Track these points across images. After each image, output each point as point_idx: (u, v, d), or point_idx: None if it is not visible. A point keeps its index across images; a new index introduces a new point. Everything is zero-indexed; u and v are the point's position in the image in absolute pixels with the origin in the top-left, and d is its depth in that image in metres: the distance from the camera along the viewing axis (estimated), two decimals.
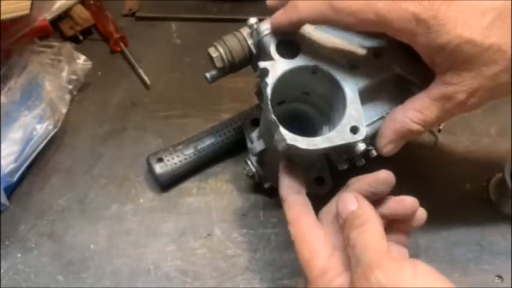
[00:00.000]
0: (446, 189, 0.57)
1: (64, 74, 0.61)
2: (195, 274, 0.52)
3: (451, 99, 0.41)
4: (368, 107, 0.45)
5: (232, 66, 0.49)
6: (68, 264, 0.53)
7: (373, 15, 0.39)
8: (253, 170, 0.53)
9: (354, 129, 0.43)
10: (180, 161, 0.57)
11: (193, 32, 0.70)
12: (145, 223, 0.56)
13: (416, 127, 0.43)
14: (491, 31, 0.39)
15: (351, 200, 0.40)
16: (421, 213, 0.44)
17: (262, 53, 0.47)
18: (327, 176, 0.53)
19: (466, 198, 0.57)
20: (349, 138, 0.43)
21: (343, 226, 0.39)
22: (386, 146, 0.45)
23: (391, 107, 0.45)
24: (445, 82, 0.41)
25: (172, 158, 0.56)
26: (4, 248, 0.54)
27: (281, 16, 0.44)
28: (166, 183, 0.57)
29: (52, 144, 0.59)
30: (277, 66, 0.44)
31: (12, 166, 0.55)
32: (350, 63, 0.45)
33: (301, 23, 0.44)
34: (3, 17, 0.56)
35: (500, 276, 0.52)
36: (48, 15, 0.65)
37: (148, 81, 0.65)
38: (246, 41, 0.48)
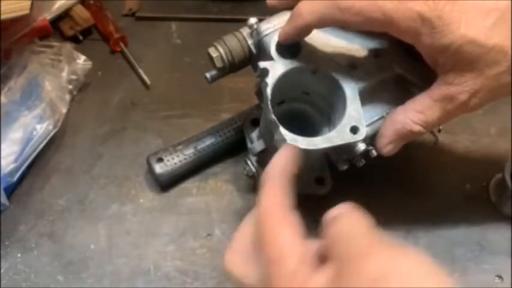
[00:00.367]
0: (446, 189, 0.57)
1: (64, 74, 0.61)
2: (195, 274, 0.52)
3: (452, 99, 0.41)
4: (368, 107, 0.45)
5: (232, 66, 0.49)
6: (68, 264, 0.53)
7: (380, 14, 0.39)
8: (253, 170, 0.53)
9: (354, 129, 0.43)
10: (180, 161, 0.57)
11: (193, 32, 0.70)
12: (145, 223, 0.55)
13: (417, 128, 0.43)
14: (495, 31, 0.39)
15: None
16: None
17: (262, 53, 0.47)
18: (327, 176, 0.53)
19: (466, 198, 0.57)
20: (349, 138, 0.43)
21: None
22: (387, 146, 0.44)
23: (391, 107, 0.45)
24: (447, 83, 0.41)
25: (172, 158, 0.56)
26: (4, 248, 0.54)
27: (287, 27, 0.44)
28: (166, 183, 0.57)
29: (52, 144, 0.59)
30: (277, 66, 0.44)
31: (12, 166, 0.55)
32: (350, 63, 0.45)
33: (308, 28, 0.43)
34: (3, 17, 0.56)
35: (500, 276, 0.52)
36: (48, 15, 0.65)
37: (148, 81, 0.65)
38: (246, 41, 0.48)
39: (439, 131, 0.60)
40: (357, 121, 0.43)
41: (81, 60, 0.63)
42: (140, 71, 0.65)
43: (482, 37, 0.38)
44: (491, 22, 0.39)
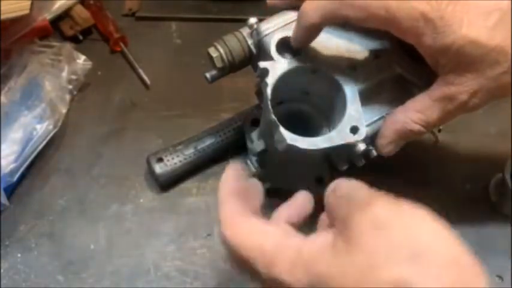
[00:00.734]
0: (446, 189, 0.57)
1: (64, 74, 0.61)
2: (195, 274, 0.52)
3: (453, 100, 0.41)
4: (368, 107, 0.45)
5: (232, 66, 0.49)
6: (68, 264, 0.53)
7: (383, 11, 0.39)
8: (253, 170, 0.53)
9: (354, 129, 0.43)
10: (180, 161, 0.57)
11: (193, 32, 0.70)
12: (145, 223, 0.55)
13: (417, 127, 0.43)
14: (496, 32, 0.39)
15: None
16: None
17: (262, 53, 0.47)
18: (327, 176, 0.53)
19: (466, 198, 0.57)
20: (349, 138, 0.43)
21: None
22: (387, 146, 0.44)
23: (391, 107, 0.45)
24: (447, 83, 0.41)
25: (172, 158, 0.56)
26: (4, 248, 0.54)
27: (296, 30, 0.44)
28: (166, 183, 0.57)
29: (52, 144, 0.59)
30: (277, 66, 0.44)
31: (12, 166, 0.55)
32: (350, 63, 0.45)
33: (315, 28, 0.43)
34: (3, 17, 0.56)
35: (500, 276, 0.52)
36: (48, 15, 0.65)
37: (148, 81, 0.65)
38: (246, 41, 0.48)
39: (439, 131, 0.60)
40: (357, 121, 0.43)
41: (81, 60, 0.63)
42: (140, 71, 0.65)
43: (484, 38, 0.38)
44: (492, 22, 0.39)
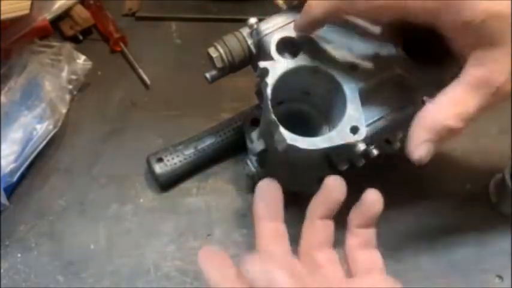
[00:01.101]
0: (446, 189, 0.57)
1: (64, 74, 0.61)
2: (195, 274, 0.52)
3: (488, 82, 0.37)
4: (368, 107, 0.45)
5: (232, 66, 0.49)
6: (68, 264, 0.53)
7: None
8: (253, 170, 0.53)
9: (354, 129, 0.43)
10: (180, 161, 0.57)
11: (193, 32, 0.70)
12: (145, 223, 0.56)
13: (453, 123, 0.37)
14: None
15: None
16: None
17: (262, 53, 0.47)
18: (327, 176, 0.53)
19: (466, 198, 0.57)
20: (349, 138, 0.43)
21: None
22: (418, 149, 0.38)
23: (391, 107, 0.45)
24: (477, 64, 0.37)
25: (172, 158, 0.56)
26: (4, 248, 0.54)
27: (299, 20, 0.43)
28: (166, 183, 0.57)
29: (52, 144, 0.59)
30: (277, 66, 0.44)
31: (12, 166, 0.55)
32: (350, 63, 0.45)
33: (316, 22, 0.42)
34: (3, 17, 0.56)
35: (500, 276, 0.52)
36: (48, 15, 0.65)
37: (148, 81, 0.65)
38: (246, 41, 0.48)
39: None
40: (357, 121, 0.43)
41: (81, 60, 0.63)
42: (140, 71, 0.65)
43: (505, 9, 0.35)
44: None
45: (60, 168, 0.59)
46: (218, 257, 0.37)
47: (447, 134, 0.38)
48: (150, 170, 0.57)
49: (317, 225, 0.39)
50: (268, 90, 0.43)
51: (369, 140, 0.44)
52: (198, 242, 0.54)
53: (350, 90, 0.44)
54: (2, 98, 0.58)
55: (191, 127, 0.60)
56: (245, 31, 0.48)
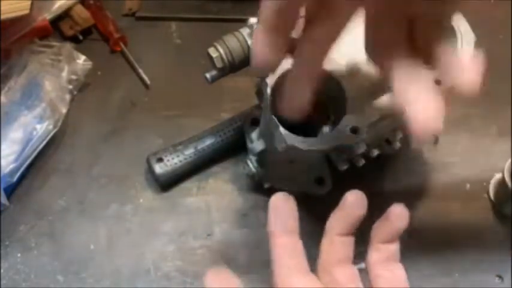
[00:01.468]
0: (446, 189, 0.57)
1: (64, 74, 0.61)
2: (195, 274, 0.52)
3: None
4: (368, 107, 0.45)
5: (232, 66, 0.49)
6: (68, 264, 0.53)
7: None
8: (253, 170, 0.53)
9: (354, 129, 0.43)
10: (180, 161, 0.57)
11: (193, 32, 0.70)
12: (145, 223, 0.56)
13: None
14: None
15: None
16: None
17: None
18: (327, 176, 0.53)
19: (466, 198, 0.57)
20: (349, 138, 0.43)
21: None
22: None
23: (391, 107, 0.45)
24: None
25: (172, 158, 0.56)
26: (4, 248, 0.54)
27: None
28: (166, 183, 0.57)
29: (52, 144, 0.59)
30: None
31: (12, 166, 0.55)
32: (351, 63, 0.45)
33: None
34: (3, 17, 0.56)
35: (500, 276, 0.52)
36: (48, 15, 0.65)
37: (148, 81, 0.65)
38: (246, 41, 0.48)
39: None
40: (357, 121, 0.43)
41: (81, 60, 0.63)
42: (140, 70, 0.65)
43: None
44: None
45: (60, 168, 0.59)
46: (226, 278, 0.36)
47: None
48: (150, 170, 0.57)
49: (336, 242, 0.37)
50: (268, 90, 0.43)
51: (369, 140, 0.44)
52: (198, 242, 0.54)
53: (350, 89, 0.44)
54: (2, 98, 0.58)
55: (191, 127, 0.60)
56: (245, 31, 0.48)
